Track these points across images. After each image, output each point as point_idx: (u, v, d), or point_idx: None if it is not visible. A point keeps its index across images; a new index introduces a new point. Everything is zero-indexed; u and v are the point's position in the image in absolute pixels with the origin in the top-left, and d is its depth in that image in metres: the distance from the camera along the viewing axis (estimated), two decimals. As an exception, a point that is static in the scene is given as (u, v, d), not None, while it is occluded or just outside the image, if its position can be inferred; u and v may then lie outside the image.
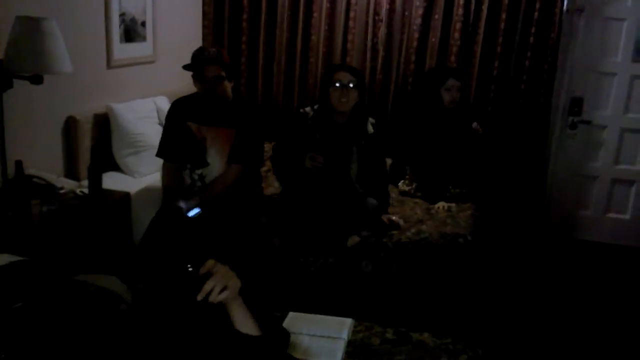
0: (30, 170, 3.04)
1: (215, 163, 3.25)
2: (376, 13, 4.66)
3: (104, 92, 3.78)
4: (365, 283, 3.19)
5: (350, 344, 2.12)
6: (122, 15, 3.91)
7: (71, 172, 3.54)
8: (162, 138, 3.36)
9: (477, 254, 3.35)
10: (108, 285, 1.75)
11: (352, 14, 4.70)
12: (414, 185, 3.98)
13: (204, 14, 4.97)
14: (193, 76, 3.18)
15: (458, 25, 4.54)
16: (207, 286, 1.54)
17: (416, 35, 4.62)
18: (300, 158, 3.26)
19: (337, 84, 3.23)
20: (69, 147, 3.53)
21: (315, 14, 4.76)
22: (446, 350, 2.11)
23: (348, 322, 2.25)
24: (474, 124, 4.06)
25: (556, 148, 4.71)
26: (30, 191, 2.93)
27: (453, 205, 3.80)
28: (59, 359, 1.49)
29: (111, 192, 3.26)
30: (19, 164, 2.82)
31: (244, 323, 1.62)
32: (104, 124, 3.67)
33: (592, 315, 3.65)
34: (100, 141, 3.65)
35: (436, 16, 4.57)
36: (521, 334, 3.35)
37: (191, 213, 2.95)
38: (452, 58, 4.60)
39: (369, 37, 4.70)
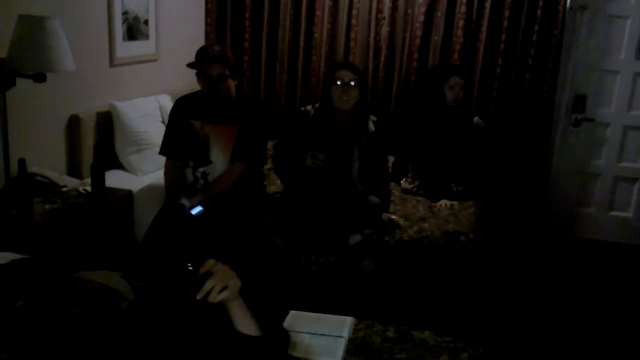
0: (33, 168, 3.05)
1: (218, 161, 3.26)
2: (379, 11, 4.66)
3: (107, 90, 3.79)
4: (366, 281, 3.19)
5: (351, 342, 2.12)
6: (124, 13, 3.92)
7: (74, 170, 3.55)
8: (165, 136, 3.37)
9: (480, 252, 3.35)
10: (110, 283, 1.75)
11: (354, 12, 4.70)
12: (416, 183, 3.98)
13: (207, 12, 4.98)
14: (197, 74, 3.19)
15: (461, 23, 4.54)
16: (207, 285, 1.54)
17: (419, 33, 4.62)
18: (301, 156, 3.26)
19: (339, 82, 3.22)
20: (72, 146, 3.54)
21: (318, 12, 4.76)
22: (447, 349, 2.11)
23: (349, 320, 2.25)
24: (476, 119, 4.05)
25: (559, 146, 4.71)
26: (33, 189, 2.95)
27: (455, 203, 3.80)
28: (60, 357, 1.49)
29: (114, 190, 3.27)
30: (21, 162, 2.83)
31: (244, 323, 1.62)
32: (106, 122, 3.68)
33: (594, 313, 3.64)
34: (103, 139, 3.66)
35: (439, 14, 4.57)
36: (522, 332, 3.35)
37: (194, 211, 2.96)
38: (455, 56, 4.59)
39: (372, 35, 4.70)
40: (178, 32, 4.59)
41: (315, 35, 4.81)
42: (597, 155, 4.74)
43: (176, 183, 3.25)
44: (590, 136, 4.68)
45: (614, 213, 4.81)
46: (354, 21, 4.72)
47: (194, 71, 3.21)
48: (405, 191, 4.01)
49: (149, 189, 3.48)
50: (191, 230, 2.92)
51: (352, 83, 3.23)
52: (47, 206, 2.94)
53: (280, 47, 4.90)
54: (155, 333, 1.64)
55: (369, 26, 4.70)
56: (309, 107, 3.43)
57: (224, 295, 1.56)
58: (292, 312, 2.28)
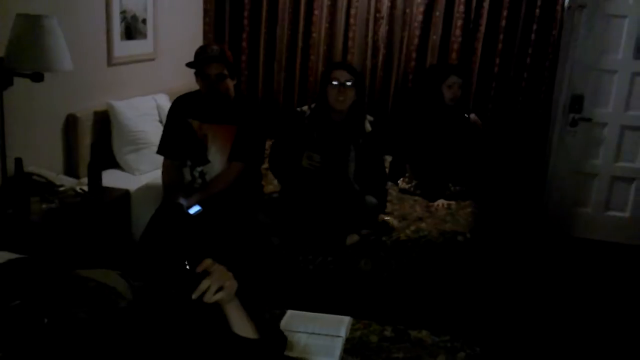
0: (30, 167, 3.05)
1: (216, 161, 3.26)
2: (377, 10, 4.66)
3: (105, 89, 3.79)
4: (364, 281, 3.19)
5: (348, 341, 2.12)
6: (122, 12, 3.92)
7: (71, 169, 3.55)
8: (163, 135, 3.37)
9: (477, 251, 3.35)
10: (108, 282, 1.74)
11: (353, 12, 4.70)
12: (413, 183, 3.98)
13: (205, 11, 4.98)
14: (196, 74, 3.18)
15: (459, 23, 4.54)
16: (203, 285, 1.54)
17: (417, 32, 4.62)
18: (298, 157, 3.26)
19: (335, 83, 3.22)
20: (69, 145, 3.53)
21: (316, 12, 4.76)
22: (444, 348, 2.12)
23: (346, 320, 2.25)
24: (473, 116, 4.05)
25: (556, 145, 4.71)
26: (30, 189, 2.94)
27: (453, 203, 3.80)
28: (57, 356, 1.49)
29: (111, 190, 3.27)
30: (18, 161, 2.82)
31: (241, 325, 1.61)
32: (104, 121, 3.68)
33: (591, 313, 3.65)
34: (101, 139, 3.65)
35: (437, 13, 4.57)
36: (519, 332, 3.36)
37: (192, 210, 2.95)
38: (453, 55, 4.60)
39: (370, 34, 4.70)
40: (176, 31, 4.59)
41: (314, 35, 4.81)
42: (594, 155, 4.74)
43: (174, 182, 3.25)
44: (587, 136, 4.68)
45: (611, 213, 4.82)
46: (352, 20, 4.72)
47: (191, 70, 3.20)
48: (402, 191, 4.01)
49: (146, 188, 3.48)
50: (189, 230, 2.92)
51: (349, 83, 3.23)
52: (44, 205, 2.94)
53: (279, 46, 4.90)
54: (153, 333, 1.64)
55: (367, 26, 4.70)
56: (305, 108, 3.43)
57: (219, 295, 1.55)
58: (289, 312, 2.28)
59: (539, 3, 4.40)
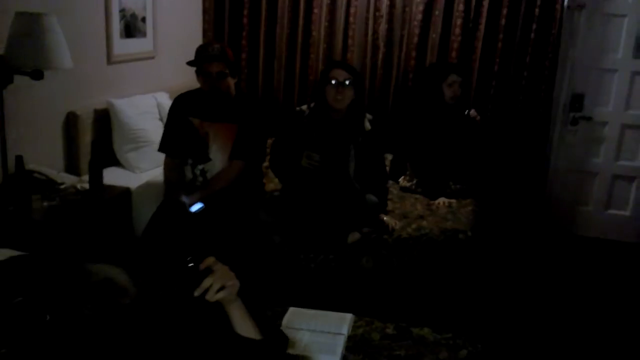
0: (30, 165, 3.04)
1: (217, 159, 3.25)
2: (377, 9, 4.65)
3: (105, 87, 3.78)
4: (365, 279, 3.19)
5: (350, 339, 2.12)
6: (122, 11, 3.91)
7: (72, 167, 3.54)
8: (164, 133, 3.36)
9: (478, 249, 3.35)
10: (114, 277, 1.72)
11: (352, 10, 4.70)
12: (414, 181, 3.98)
13: (204, 9, 4.97)
14: (197, 72, 3.18)
15: (459, 21, 4.54)
16: (206, 283, 1.53)
17: (417, 31, 4.62)
18: (297, 157, 3.25)
19: (333, 82, 3.21)
20: (70, 143, 3.53)
21: (315, 10, 4.76)
22: (446, 345, 2.11)
23: (348, 317, 2.24)
24: (472, 111, 4.05)
25: (557, 144, 4.71)
26: (30, 186, 2.94)
27: (454, 201, 3.80)
28: (59, 353, 1.49)
29: (112, 188, 3.26)
30: (19, 159, 2.82)
31: (243, 326, 1.60)
32: (104, 119, 3.68)
33: (592, 311, 3.65)
34: (101, 137, 3.65)
35: (437, 12, 4.57)
36: (521, 329, 3.36)
37: (194, 208, 2.95)
38: (453, 54, 4.60)
39: (370, 33, 4.70)
40: (176, 29, 4.58)
41: (313, 33, 4.81)
42: (595, 153, 4.74)
43: (175, 180, 3.25)
44: (588, 135, 4.69)
45: (611, 211, 4.82)
46: (351, 19, 4.72)
47: (192, 69, 3.20)
48: (403, 189, 4.01)
49: (147, 186, 3.48)
50: (191, 228, 2.92)
51: (347, 82, 3.22)
52: (45, 203, 2.93)
53: (278, 44, 4.89)
54: (155, 331, 1.63)
55: (367, 24, 4.69)
56: (304, 107, 3.43)
57: (221, 295, 1.54)
58: (291, 309, 2.28)
59: (538, 2, 4.39)
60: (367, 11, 4.68)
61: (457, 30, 4.56)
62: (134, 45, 4.10)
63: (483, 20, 4.50)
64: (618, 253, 4.57)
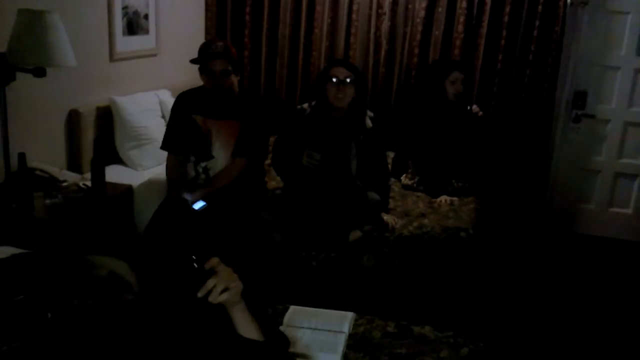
0: (33, 163, 3.05)
1: (220, 156, 3.26)
2: (379, 6, 4.65)
3: (107, 85, 3.79)
4: (366, 277, 3.19)
5: (351, 337, 2.12)
6: (124, 8, 3.91)
7: (74, 165, 3.55)
8: (167, 131, 3.37)
9: (480, 248, 3.35)
10: (120, 271, 1.71)
11: (355, 7, 4.69)
12: (416, 179, 3.98)
13: (207, 7, 4.97)
14: (200, 69, 3.18)
15: (461, 19, 4.53)
16: (209, 284, 1.52)
17: (419, 28, 4.61)
18: (298, 155, 3.25)
19: (334, 80, 3.21)
20: (72, 140, 3.53)
21: (318, 7, 4.75)
22: (447, 344, 2.12)
23: (349, 315, 2.25)
24: (474, 107, 4.04)
25: (559, 142, 4.70)
26: (33, 184, 2.94)
27: (455, 199, 3.80)
28: (61, 350, 1.49)
29: (114, 185, 3.27)
30: (21, 156, 2.82)
31: (246, 327, 1.60)
32: (106, 117, 3.68)
33: (593, 309, 3.65)
34: (103, 134, 3.66)
35: (439, 9, 4.56)
36: (522, 328, 3.36)
37: (197, 206, 2.95)
38: (456, 51, 4.59)
39: (372, 30, 4.69)
40: (178, 27, 4.58)
41: (316, 31, 4.80)
42: (597, 151, 4.74)
43: (178, 178, 3.25)
44: (590, 132, 4.68)
45: (614, 209, 4.81)
46: (354, 16, 4.71)
47: (194, 66, 3.20)
48: (405, 187, 4.01)
49: (149, 183, 3.48)
50: (193, 225, 2.92)
51: (348, 80, 3.21)
52: (47, 201, 2.94)
53: (281, 42, 4.89)
54: (157, 330, 1.63)
55: (370, 21, 4.69)
56: (305, 105, 3.43)
57: (224, 297, 1.54)
58: (292, 307, 2.28)
59: (541, -1, 4.39)
60: (370, 8, 4.67)
61: (460, 28, 4.55)
62: (137, 43, 4.10)
63: (486, 18, 4.50)
64: (620, 251, 4.56)
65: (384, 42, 4.70)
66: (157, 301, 1.77)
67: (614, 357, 3.19)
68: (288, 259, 3.20)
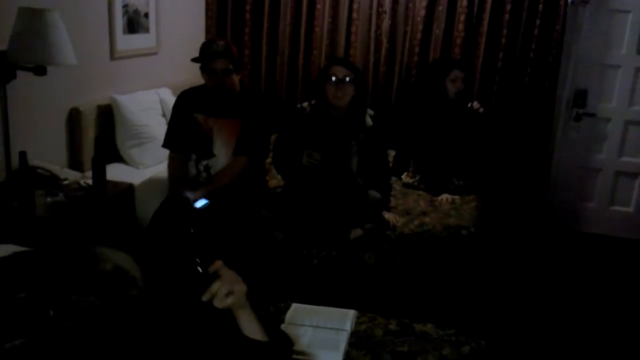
0: (34, 161, 3.04)
1: (221, 154, 3.26)
2: (380, 5, 4.65)
3: (108, 83, 3.79)
4: (368, 275, 3.19)
5: (353, 335, 2.12)
6: (125, 6, 3.91)
7: (75, 163, 3.55)
8: (168, 129, 3.37)
9: (481, 246, 3.35)
10: (124, 265, 1.69)
11: (355, 6, 4.69)
12: (417, 177, 3.98)
13: (207, 5, 4.97)
14: (201, 68, 3.18)
15: (462, 17, 4.53)
16: (213, 288, 1.51)
17: (420, 27, 4.61)
18: (299, 154, 3.25)
19: (333, 79, 3.21)
20: (73, 139, 3.53)
21: (318, 6, 4.75)
22: (449, 342, 2.11)
23: (351, 313, 2.25)
24: (474, 103, 4.04)
25: (560, 140, 4.70)
26: (34, 182, 2.94)
27: (457, 197, 3.80)
28: (63, 348, 1.49)
29: (115, 184, 3.27)
30: (22, 155, 2.82)
31: (251, 329, 1.59)
32: (107, 115, 3.68)
33: (594, 307, 3.65)
34: (104, 132, 3.66)
35: (440, 8, 4.56)
36: (524, 326, 3.36)
37: (199, 204, 2.95)
38: (456, 50, 4.59)
39: (373, 29, 4.69)
40: (178, 25, 4.58)
41: (316, 29, 4.80)
42: (598, 150, 4.73)
43: (179, 176, 3.25)
44: (591, 131, 4.68)
45: (615, 208, 4.81)
46: (354, 15, 4.71)
47: (194, 64, 3.20)
48: (406, 185, 4.01)
49: (150, 182, 3.48)
50: (195, 224, 2.91)
51: (347, 79, 3.21)
52: (48, 199, 2.94)
53: (281, 41, 4.89)
54: (160, 328, 1.63)
55: (370, 20, 4.69)
56: (305, 104, 3.42)
57: (229, 300, 1.52)
58: (294, 305, 2.28)
59: (542, -2, 4.39)
60: (370, 7, 4.67)
61: (461, 26, 4.55)
62: (137, 41, 4.10)
63: (486, 16, 4.49)
64: (621, 249, 4.56)
65: (384, 40, 4.70)
66: (161, 299, 1.76)
67: (616, 355, 3.19)
68: (289, 257, 3.20)
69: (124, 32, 3.93)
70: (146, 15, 4.16)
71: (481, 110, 4.04)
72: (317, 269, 3.18)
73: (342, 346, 2.03)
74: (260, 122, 3.25)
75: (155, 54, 4.33)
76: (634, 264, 4.33)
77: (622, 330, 3.40)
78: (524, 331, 3.31)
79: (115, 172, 3.43)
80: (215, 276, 1.53)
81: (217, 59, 3.10)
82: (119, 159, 3.73)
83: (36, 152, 3.14)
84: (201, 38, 4.77)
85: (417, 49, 4.66)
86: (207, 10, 4.97)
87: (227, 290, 1.52)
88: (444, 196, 3.79)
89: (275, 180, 3.77)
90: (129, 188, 3.32)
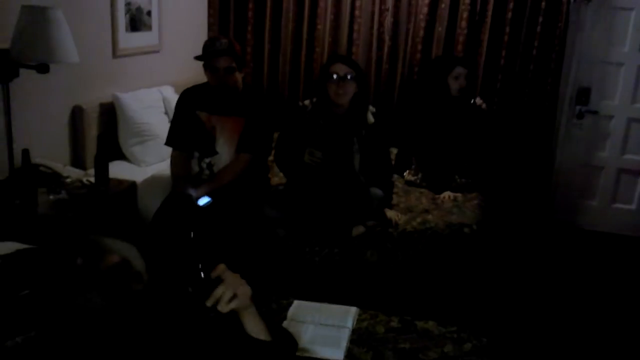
0: (36, 159, 3.05)
1: (224, 152, 3.26)
2: (382, 2, 4.64)
3: (110, 81, 3.79)
4: (370, 272, 3.19)
5: (355, 332, 2.12)
6: (127, 4, 3.91)
7: (77, 161, 3.55)
8: (171, 127, 3.37)
9: (483, 243, 3.35)
10: (131, 259, 1.68)
11: (358, 3, 4.69)
12: (419, 175, 3.97)
13: (210, 3, 4.97)
14: (204, 66, 3.18)
15: (465, 15, 4.52)
16: (217, 292, 1.51)
17: (422, 24, 4.61)
18: (300, 152, 3.25)
19: (334, 77, 3.20)
20: (75, 136, 3.54)
21: (321, 3, 4.75)
22: (451, 339, 2.12)
23: (353, 310, 2.25)
24: (477, 99, 4.04)
25: (563, 138, 4.70)
26: (36, 180, 2.95)
27: (459, 195, 3.79)
28: (65, 344, 1.50)
29: (117, 181, 3.27)
30: (25, 152, 2.83)
31: (255, 330, 1.59)
32: (110, 113, 3.69)
33: (596, 305, 3.65)
34: (107, 130, 3.66)
35: (443, 5, 4.55)
36: (526, 323, 3.36)
37: (202, 202, 2.95)
38: (459, 47, 4.58)
39: (375, 26, 4.69)
40: (181, 23, 4.58)
41: (319, 27, 4.80)
42: (600, 147, 4.73)
43: (182, 174, 3.26)
44: (594, 128, 4.67)
45: (617, 205, 4.81)
46: (357, 12, 4.71)
47: (197, 62, 3.20)
48: (408, 183, 4.00)
49: (152, 179, 3.49)
50: (198, 221, 2.92)
51: (349, 77, 3.20)
52: (51, 197, 2.95)
53: (283, 38, 4.89)
54: (163, 325, 1.63)
55: (373, 18, 4.69)
56: (307, 102, 3.42)
57: (234, 304, 1.52)
58: (296, 302, 2.29)
59: (545, -5, 4.38)
60: (373, 5, 4.67)
61: (463, 24, 4.54)
62: (140, 39, 4.11)
63: (489, 14, 4.49)
64: (623, 247, 4.56)
65: (387, 38, 4.69)
66: (163, 297, 1.77)
67: (617, 353, 3.19)
68: (291, 255, 3.20)
69: (127, 30, 3.94)
70: (149, 13, 4.17)
71: (484, 106, 4.04)
72: (319, 266, 3.18)
73: (344, 343, 2.03)
74: (263, 119, 3.25)
75: (158, 51, 4.33)
76: (636, 261, 4.32)
77: (624, 328, 3.40)
78: (526, 329, 3.31)
79: (117, 170, 3.43)
80: (219, 281, 1.52)
81: (220, 57, 3.10)
82: (121, 156, 3.74)
83: (39, 150, 3.15)
84: (204, 36, 4.78)
85: (419, 47, 4.66)
86: (210, 8, 4.97)
87: (231, 294, 1.51)
88: (446, 194, 3.79)
89: (277, 178, 3.77)
90: (132, 186, 3.33)
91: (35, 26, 2.78)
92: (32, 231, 2.66)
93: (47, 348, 1.49)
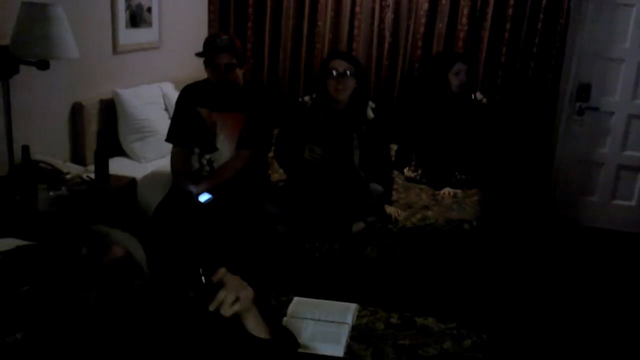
0: (36, 155, 3.05)
1: (224, 148, 3.26)
2: (383, -1, 4.64)
3: (110, 77, 3.79)
4: (370, 269, 3.19)
5: (354, 328, 2.13)
6: (127, 0, 3.91)
7: (77, 157, 3.55)
8: (171, 123, 3.37)
9: (483, 240, 3.35)
10: (133, 251, 1.68)
11: (358, 0, 4.68)
12: (419, 172, 3.97)
13: (210, -1, 4.97)
14: (205, 63, 3.18)
15: (465, 11, 4.52)
16: (219, 296, 1.50)
17: (423, 20, 4.60)
18: (300, 149, 3.25)
19: (334, 73, 3.20)
20: (75, 133, 3.54)
21: (321, 0, 4.74)
22: (450, 335, 2.12)
23: (353, 307, 2.25)
24: (478, 94, 4.03)
25: (563, 134, 4.70)
26: (36, 176, 2.95)
27: (459, 191, 3.79)
28: (66, 340, 1.50)
29: (117, 177, 3.27)
30: (25, 149, 2.83)
31: (257, 330, 1.59)
32: (110, 109, 3.68)
33: (596, 301, 3.65)
34: (107, 127, 3.66)
35: (443, 1, 4.55)
36: (526, 319, 3.36)
37: (202, 198, 2.96)
38: (460, 44, 4.58)
39: (376, 23, 4.68)
40: (181, 19, 4.58)
41: (319, 23, 4.79)
42: (601, 143, 4.73)
43: (182, 170, 3.26)
44: (594, 125, 4.67)
45: (617, 202, 4.81)
46: (357, 9, 4.70)
47: (197, 59, 3.20)
48: (408, 179, 4.00)
49: (153, 176, 3.49)
50: (198, 218, 2.92)
51: (348, 73, 3.20)
52: (51, 193, 2.95)
53: (284, 35, 4.88)
54: (163, 322, 1.63)
55: (373, 14, 4.68)
56: (307, 98, 3.42)
57: (236, 307, 1.52)
58: (296, 299, 2.29)
59: (545, -9, 4.38)
60: (374, 1, 4.66)
61: (464, 20, 4.54)
62: (140, 36, 4.10)
63: (490, 10, 4.48)
64: (623, 243, 4.56)
65: (387, 34, 4.69)
66: (163, 293, 1.77)
67: (617, 349, 3.19)
68: (291, 251, 3.20)
69: (127, 26, 3.93)
70: (149, 9, 4.16)
71: (484, 100, 4.04)
72: (319, 263, 3.18)
73: (344, 339, 2.04)
74: (263, 116, 3.25)
75: (158, 48, 4.33)
76: (636, 258, 4.33)
77: (624, 325, 3.41)
78: (526, 325, 3.31)
79: (117, 166, 3.43)
80: (220, 285, 1.52)
81: (221, 54, 3.10)
82: (121, 152, 3.74)
83: (39, 146, 3.15)
84: (204, 32, 4.77)
85: (420, 43, 4.65)
86: (210, 4, 4.97)
87: (233, 297, 1.51)
88: (446, 190, 3.79)
89: (277, 174, 3.77)
90: (132, 182, 3.33)
91: (35, 22, 2.78)
92: (32, 227, 2.66)
93: (47, 344, 1.50)
